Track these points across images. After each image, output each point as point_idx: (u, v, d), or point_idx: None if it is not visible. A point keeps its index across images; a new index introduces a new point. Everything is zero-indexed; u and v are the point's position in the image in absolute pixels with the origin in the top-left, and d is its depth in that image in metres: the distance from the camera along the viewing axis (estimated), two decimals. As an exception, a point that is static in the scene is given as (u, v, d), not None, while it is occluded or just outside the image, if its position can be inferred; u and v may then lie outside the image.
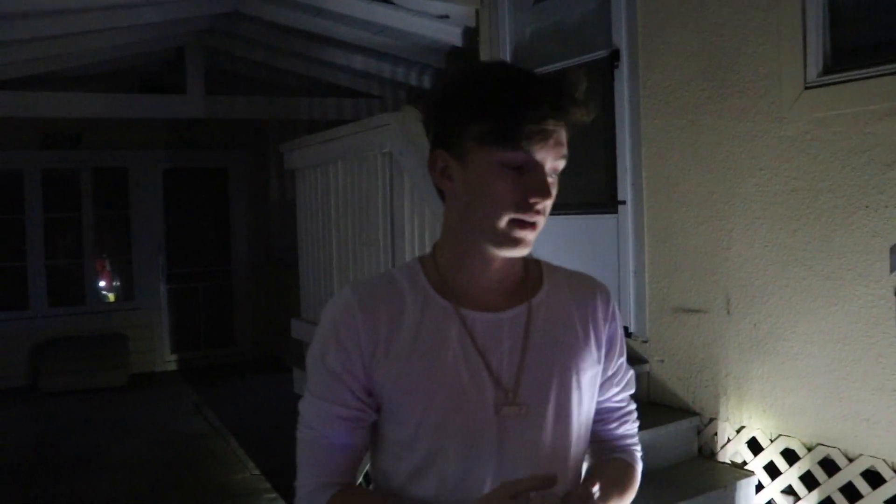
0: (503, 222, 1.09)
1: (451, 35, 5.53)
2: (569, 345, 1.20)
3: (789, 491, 2.99)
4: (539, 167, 1.08)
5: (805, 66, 2.85)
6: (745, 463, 3.15)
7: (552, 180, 1.10)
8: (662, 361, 3.46)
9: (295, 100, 7.29)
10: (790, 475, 2.97)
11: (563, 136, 1.10)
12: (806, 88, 2.85)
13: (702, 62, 3.22)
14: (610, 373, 1.28)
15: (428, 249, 3.09)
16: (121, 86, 7.19)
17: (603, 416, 1.31)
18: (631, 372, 1.34)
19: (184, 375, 8.48)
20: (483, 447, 1.12)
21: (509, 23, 4.41)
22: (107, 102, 6.60)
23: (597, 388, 1.25)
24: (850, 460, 2.78)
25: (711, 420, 3.27)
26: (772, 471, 3.06)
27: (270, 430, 5.49)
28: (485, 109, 1.06)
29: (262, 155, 9.01)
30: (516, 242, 1.11)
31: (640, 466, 1.33)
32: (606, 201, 3.72)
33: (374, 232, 3.40)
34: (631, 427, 1.34)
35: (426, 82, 6.86)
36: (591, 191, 3.85)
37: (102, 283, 8.82)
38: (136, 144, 8.41)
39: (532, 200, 1.08)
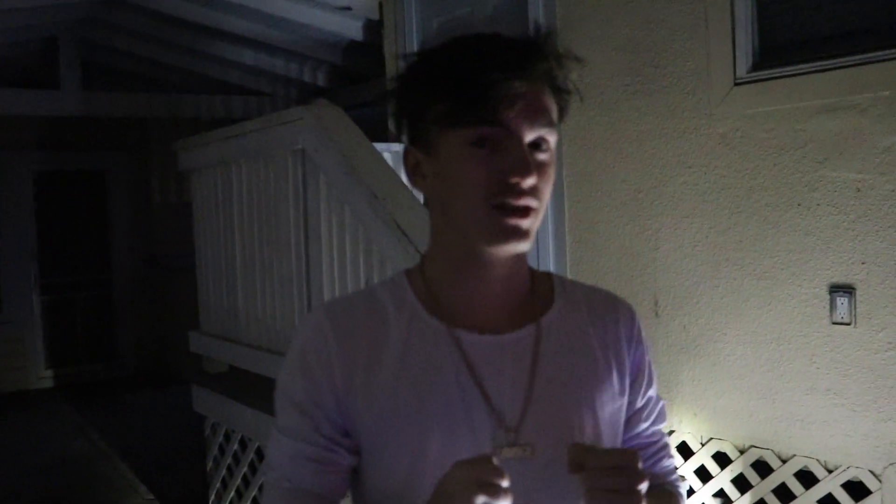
0: (485, 211, 0.91)
1: (351, 28, 5.33)
2: (585, 374, 1.01)
3: (720, 494, 2.94)
4: (515, 139, 0.90)
5: (734, 62, 2.80)
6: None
7: (543, 157, 0.93)
8: (588, 366, 3.36)
9: (180, 97, 6.94)
10: (722, 479, 2.92)
11: (542, 98, 0.93)
12: (735, 85, 2.80)
13: (626, 57, 3.14)
14: (638, 405, 1.09)
15: (349, 254, 2.88)
16: (-15, 79, 6.64)
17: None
18: (662, 402, 1.15)
19: (62, 393, 7.90)
20: None
21: (416, 14, 4.23)
22: (-32, 97, 6.06)
23: (621, 426, 1.05)
24: (784, 461, 2.75)
25: (640, 425, 3.19)
26: (703, 475, 3.00)
27: (163, 451, 5.13)
28: (438, 86, 0.91)
29: (143, 156, 8.56)
30: (508, 232, 0.92)
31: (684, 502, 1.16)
32: (526, 201, 3.59)
33: (286, 236, 3.15)
34: (668, 463, 1.15)
35: (320, 79, 6.64)
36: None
37: (-34, 295, 8.12)
38: (4, 144, 7.80)
39: (512, 180, 0.90)
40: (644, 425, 1.11)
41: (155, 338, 8.40)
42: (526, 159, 0.90)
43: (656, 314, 3.09)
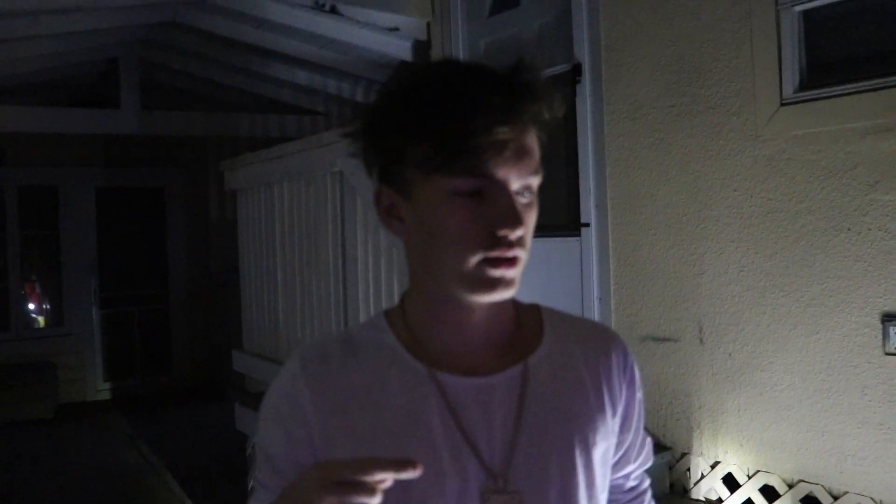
0: (470, 264, 0.86)
1: (401, 49, 5.33)
2: (576, 414, 0.95)
3: (768, 529, 2.83)
4: (502, 189, 0.84)
5: (781, 82, 2.72)
6: (720, 500, 2.97)
7: (526, 200, 0.87)
8: (630, 392, 3.27)
9: (235, 116, 7.04)
10: (770, 513, 2.81)
11: (527, 143, 0.86)
12: (782, 105, 2.71)
13: (670, 77, 3.07)
14: (626, 446, 1.05)
15: (384, 277, 2.87)
16: (50, 99, 6.84)
17: (615, 495, 1.08)
18: (649, 441, 1.11)
19: (117, 405, 8.05)
20: None
21: (462, 36, 4.23)
22: (34, 116, 6.27)
23: (610, 466, 1.01)
24: (835, 498, 2.63)
25: (684, 455, 3.09)
26: (749, 509, 2.89)
27: (210, 466, 5.16)
28: (419, 128, 0.84)
29: (201, 172, 8.69)
30: (493, 284, 0.87)
31: None
32: (569, 223, 3.54)
33: (324, 257, 3.16)
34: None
35: (373, 99, 6.65)
36: (552, 212, 3.66)
37: (32, 306, 8.35)
38: (67, 161, 8.02)
39: (501, 233, 0.84)
40: (632, 466, 1.08)
41: (209, 352, 8.48)
42: (515, 210, 0.85)
43: (701, 341, 3.00)
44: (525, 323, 1.00)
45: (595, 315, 3.39)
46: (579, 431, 0.95)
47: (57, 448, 6.46)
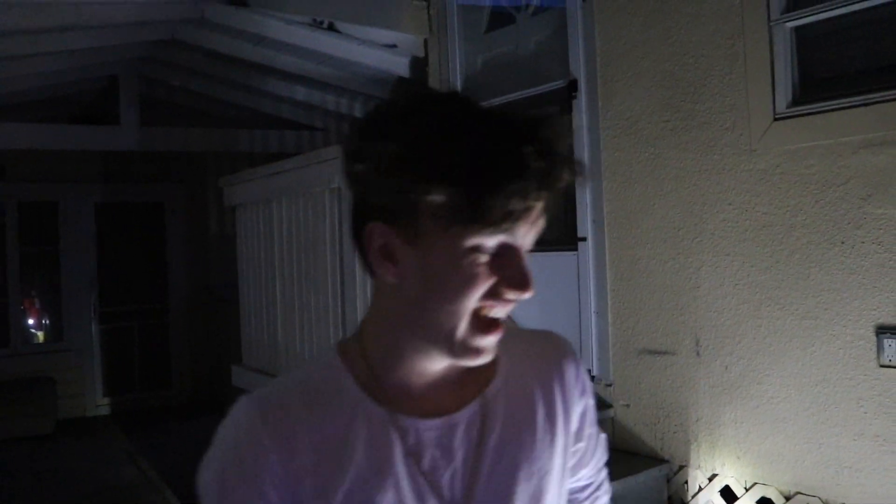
0: (462, 328, 0.83)
1: (398, 65, 5.37)
2: (533, 441, 0.94)
3: (766, 542, 2.84)
4: (519, 252, 0.82)
5: (774, 97, 2.75)
6: (718, 513, 2.98)
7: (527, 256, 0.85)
8: (628, 406, 3.28)
9: (234, 131, 7.05)
10: (767, 526, 2.81)
11: (546, 206, 0.83)
12: (775, 120, 2.74)
13: (665, 92, 3.10)
14: (581, 454, 1.06)
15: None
16: (49, 116, 6.86)
17: (573, 494, 1.10)
18: (603, 436, 1.12)
19: (117, 420, 8.02)
20: None
21: (459, 52, 4.26)
22: (35, 133, 6.28)
23: (567, 479, 1.02)
24: (832, 510, 2.64)
25: (681, 467, 3.10)
26: (747, 521, 2.90)
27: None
28: (455, 176, 0.77)
29: (200, 188, 8.71)
30: (477, 352, 0.84)
31: None
32: (565, 238, 3.56)
33: (322, 273, 3.17)
34: (601, 501, 1.15)
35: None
36: (549, 227, 3.67)
37: (31, 322, 8.35)
38: (67, 177, 8.03)
39: (509, 296, 0.82)
40: (585, 470, 1.10)
41: (208, 367, 8.45)
42: (527, 275, 0.82)
43: (697, 354, 3.02)
44: None
45: (592, 329, 3.41)
46: (538, 458, 0.94)
47: (56, 463, 6.44)
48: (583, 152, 3.44)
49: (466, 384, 0.93)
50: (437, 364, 0.89)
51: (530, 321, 3.61)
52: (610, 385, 3.35)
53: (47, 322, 8.45)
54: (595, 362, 3.41)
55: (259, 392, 0.92)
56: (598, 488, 1.14)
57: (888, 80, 2.47)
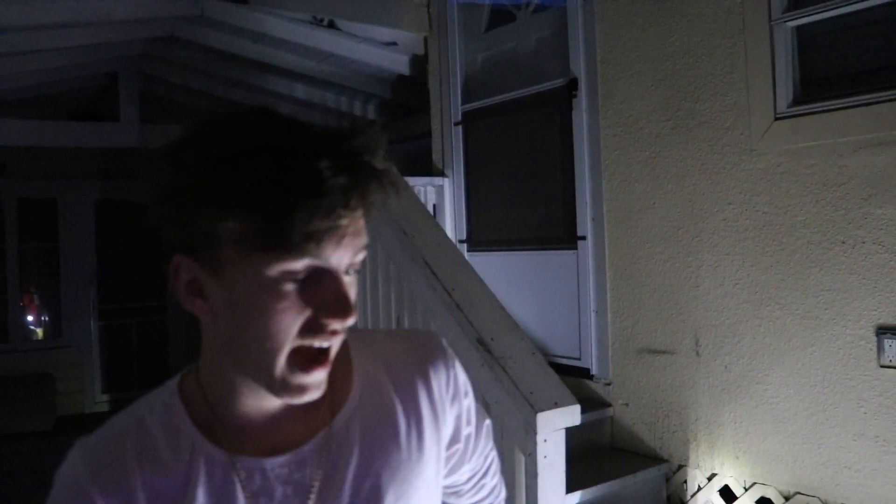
0: (280, 366, 0.76)
1: (399, 63, 5.36)
2: (398, 461, 0.87)
3: (765, 542, 2.84)
4: (333, 275, 0.75)
5: (775, 97, 2.74)
6: (717, 513, 2.98)
7: (350, 279, 0.77)
8: (627, 405, 3.28)
9: (235, 129, 7.03)
10: (766, 526, 2.81)
11: (360, 223, 0.75)
12: (776, 119, 2.74)
13: (666, 91, 3.09)
14: (458, 455, 1.00)
15: (381, 295, 2.85)
16: (49, 112, 6.85)
17: (456, 488, 1.06)
18: (487, 421, 1.06)
19: (116, 417, 8.03)
20: None
21: (460, 50, 4.25)
22: (34, 130, 6.25)
23: (441, 483, 0.96)
24: (831, 510, 2.63)
25: (681, 467, 3.10)
26: (746, 521, 2.90)
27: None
28: (246, 201, 0.70)
29: (200, 185, 8.69)
30: (301, 390, 0.78)
31: None
32: (565, 237, 3.56)
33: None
34: (486, 487, 1.10)
35: (371, 112, 6.69)
36: (549, 226, 3.68)
37: (30, 318, 8.34)
38: (66, 174, 8.03)
39: (327, 323, 0.75)
40: (466, 466, 1.04)
41: (207, 364, 8.48)
42: (346, 299, 0.75)
43: (697, 353, 3.01)
44: (334, 370, 0.85)
45: (592, 328, 3.40)
46: (405, 478, 0.88)
47: (56, 460, 6.42)
48: (582, 151, 3.43)
49: (317, 411, 0.85)
50: (273, 399, 0.81)
51: (530, 321, 3.62)
52: (609, 384, 3.35)
53: (47, 319, 8.44)
54: (594, 361, 3.41)
55: (92, 441, 0.87)
56: (483, 475, 1.08)
57: (889, 80, 2.47)
